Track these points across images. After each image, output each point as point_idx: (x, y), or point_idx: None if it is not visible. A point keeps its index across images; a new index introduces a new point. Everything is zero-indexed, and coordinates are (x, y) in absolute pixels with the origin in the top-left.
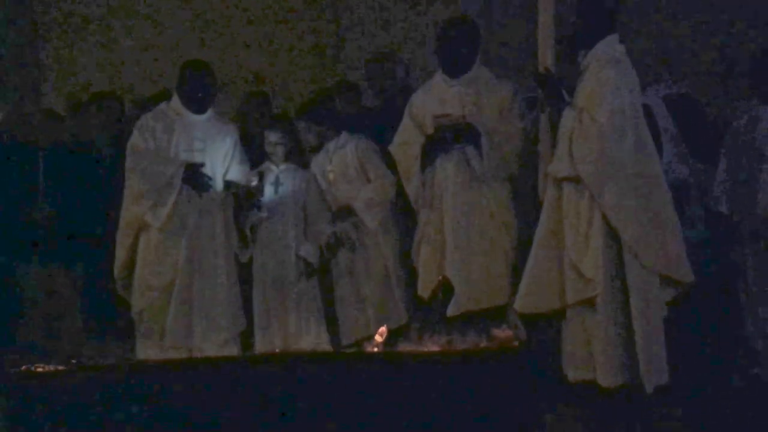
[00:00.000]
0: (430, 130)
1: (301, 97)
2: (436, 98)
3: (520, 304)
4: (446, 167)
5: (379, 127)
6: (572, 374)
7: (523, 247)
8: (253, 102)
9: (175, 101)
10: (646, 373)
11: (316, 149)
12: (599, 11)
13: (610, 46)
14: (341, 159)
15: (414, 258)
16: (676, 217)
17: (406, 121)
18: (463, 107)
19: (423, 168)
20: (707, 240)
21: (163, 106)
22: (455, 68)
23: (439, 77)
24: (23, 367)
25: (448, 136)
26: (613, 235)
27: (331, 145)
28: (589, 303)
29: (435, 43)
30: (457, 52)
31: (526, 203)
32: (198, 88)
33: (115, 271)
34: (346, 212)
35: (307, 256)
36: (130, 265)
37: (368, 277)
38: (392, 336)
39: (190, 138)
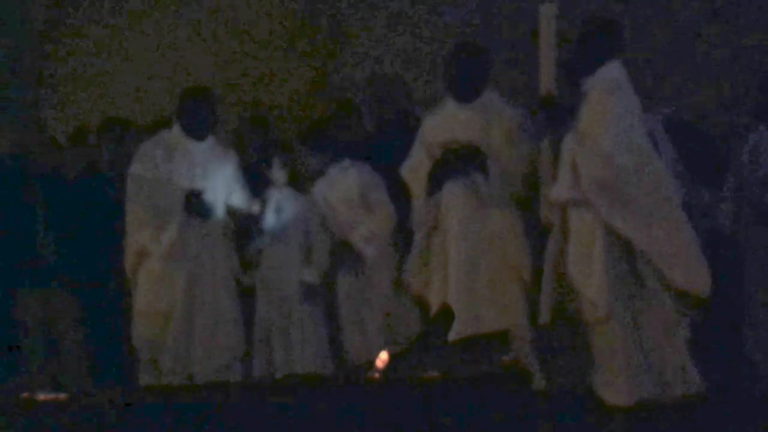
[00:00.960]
0: (438, 155)
1: (299, 122)
2: (446, 123)
3: (544, 318)
4: (454, 192)
5: (379, 152)
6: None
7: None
8: (252, 127)
9: (176, 128)
10: (671, 384)
11: (318, 174)
12: (600, 36)
13: (611, 71)
14: (343, 185)
15: (408, 279)
16: (693, 233)
17: (417, 145)
18: (473, 132)
19: (430, 192)
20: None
21: (163, 133)
22: (465, 94)
23: (449, 102)
24: (25, 395)
25: (455, 161)
26: (618, 254)
27: (333, 171)
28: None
29: (444, 68)
30: (466, 77)
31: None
32: (198, 115)
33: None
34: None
35: (310, 280)
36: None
37: (369, 302)
38: (393, 361)
39: (191, 165)
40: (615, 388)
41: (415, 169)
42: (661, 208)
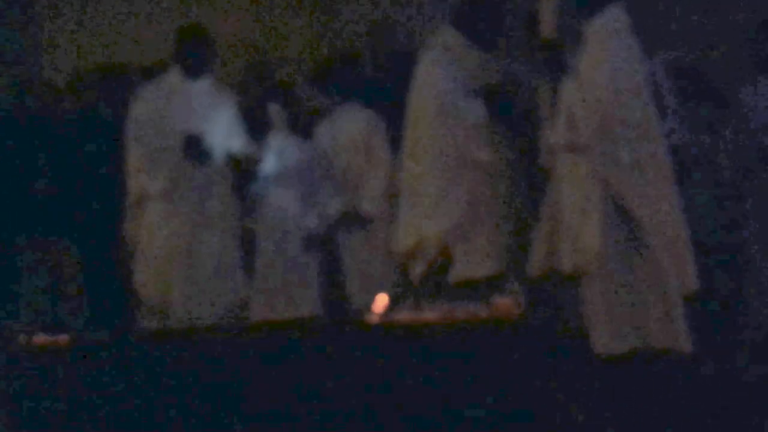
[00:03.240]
0: None
1: (298, 66)
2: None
3: (532, 269)
4: None
5: (380, 97)
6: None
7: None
8: (252, 72)
9: (173, 70)
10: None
11: (320, 117)
12: None
13: (612, 16)
14: (349, 129)
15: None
16: (677, 194)
17: None
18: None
19: None
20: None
21: (162, 76)
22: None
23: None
24: (24, 338)
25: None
26: (614, 205)
27: (337, 114)
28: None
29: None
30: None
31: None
32: (194, 54)
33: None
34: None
35: (311, 226)
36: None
37: (372, 251)
38: (391, 304)
39: (190, 108)
40: (601, 337)
41: None
42: (650, 167)
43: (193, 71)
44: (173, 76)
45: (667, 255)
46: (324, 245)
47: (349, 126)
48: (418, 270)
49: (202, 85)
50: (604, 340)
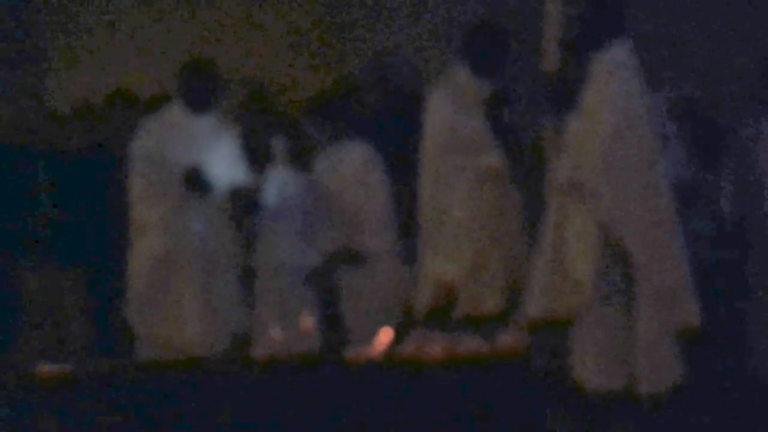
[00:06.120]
0: None
1: (300, 100)
2: None
3: (529, 311)
4: None
5: (385, 130)
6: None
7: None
8: (253, 102)
9: (177, 103)
10: (645, 377)
11: (321, 151)
12: (607, 14)
13: (618, 52)
14: (347, 164)
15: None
16: (681, 234)
17: None
18: None
19: None
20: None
21: (165, 107)
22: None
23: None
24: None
25: None
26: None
27: (337, 148)
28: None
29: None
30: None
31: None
32: (200, 89)
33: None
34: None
35: (309, 261)
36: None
37: (372, 287)
38: (396, 338)
39: (191, 141)
40: (589, 372)
41: None
42: (652, 197)
43: (197, 106)
44: (176, 109)
45: (663, 294)
46: (323, 280)
47: (348, 161)
48: (423, 305)
49: (206, 121)
50: (590, 376)
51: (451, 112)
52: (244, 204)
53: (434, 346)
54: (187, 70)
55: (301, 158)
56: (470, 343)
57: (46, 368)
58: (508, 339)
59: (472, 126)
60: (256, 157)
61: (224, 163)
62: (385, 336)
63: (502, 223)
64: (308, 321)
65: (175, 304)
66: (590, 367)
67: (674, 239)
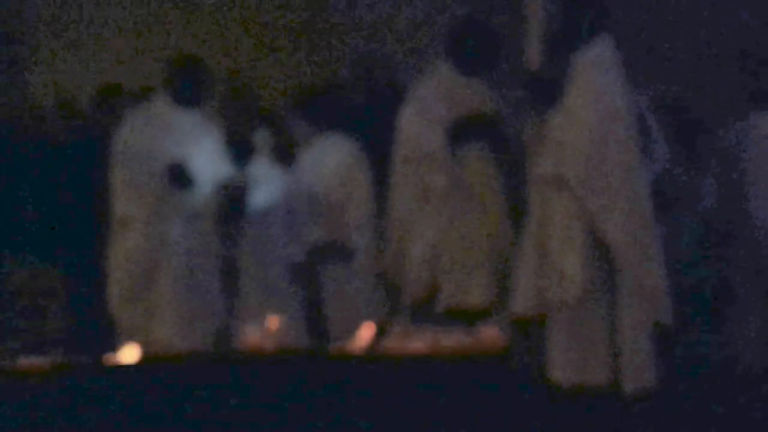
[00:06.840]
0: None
1: (282, 95)
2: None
3: (516, 307)
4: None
5: (365, 127)
6: (560, 377)
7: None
8: (236, 99)
9: (163, 98)
10: (627, 373)
11: (305, 146)
12: (589, 11)
13: (600, 49)
14: (330, 159)
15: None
16: (658, 239)
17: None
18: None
19: None
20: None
21: (150, 102)
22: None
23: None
24: (5, 362)
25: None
26: (596, 241)
27: (320, 143)
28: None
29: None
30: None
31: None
32: (187, 85)
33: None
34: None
35: (293, 256)
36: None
37: (355, 283)
38: (378, 333)
39: (175, 136)
40: (560, 366)
41: None
42: (634, 194)
43: (184, 100)
44: (161, 103)
45: (643, 290)
46: (306, 274)
47: (332, 156)
48: (404, 298)
49: (190, 115)
50: (560, 370)
51: (416, 124)
52: (228, 199)
53: (416, 341)
54: (176, 65)
55: (284, 153)
56: (453, 338)
57: (26, 361)
58: (491, 333)
59: (433, 141)
60: (240, 152)
61: (208, 158)
62: (367, 330)
63: (484, 218)
64: (274, 321)
65: (156, 298)
66: (565, 363)
67: (653, 236)
